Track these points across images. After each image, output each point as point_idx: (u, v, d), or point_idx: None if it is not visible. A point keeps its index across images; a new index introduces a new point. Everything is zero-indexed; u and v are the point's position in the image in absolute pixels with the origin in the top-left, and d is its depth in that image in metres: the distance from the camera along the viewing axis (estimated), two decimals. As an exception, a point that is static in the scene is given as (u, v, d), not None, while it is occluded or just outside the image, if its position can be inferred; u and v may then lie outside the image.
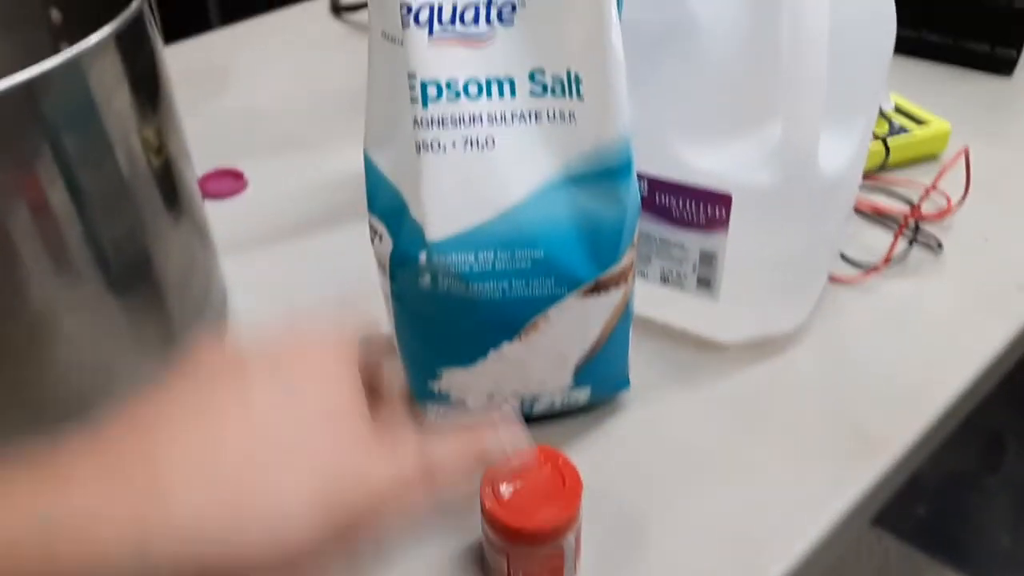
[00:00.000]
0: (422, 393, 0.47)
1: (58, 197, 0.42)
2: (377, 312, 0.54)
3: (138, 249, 0.47)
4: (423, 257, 0.40)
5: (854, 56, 0.45)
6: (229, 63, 0.93)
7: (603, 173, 0.40)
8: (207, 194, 0.67)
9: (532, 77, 0.39)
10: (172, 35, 0.81)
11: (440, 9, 0.38)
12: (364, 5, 0.98)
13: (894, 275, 0.60)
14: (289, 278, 0.61)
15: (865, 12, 0.46)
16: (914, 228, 0.62)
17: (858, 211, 0.64)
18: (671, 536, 0.44)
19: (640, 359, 0.50)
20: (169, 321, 0.50)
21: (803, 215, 0.48)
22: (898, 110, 0.72)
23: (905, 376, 0.52)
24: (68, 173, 0.41)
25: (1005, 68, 0.84)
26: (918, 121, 0.71)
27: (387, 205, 0.43)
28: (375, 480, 0.28)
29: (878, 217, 0.65)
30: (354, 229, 0.66)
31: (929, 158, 0.71)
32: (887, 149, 0.67)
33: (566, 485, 0.39)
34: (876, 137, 0.67)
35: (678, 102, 0.46)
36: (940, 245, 0.61)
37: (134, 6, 0.44)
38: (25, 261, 0.41)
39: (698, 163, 0.46)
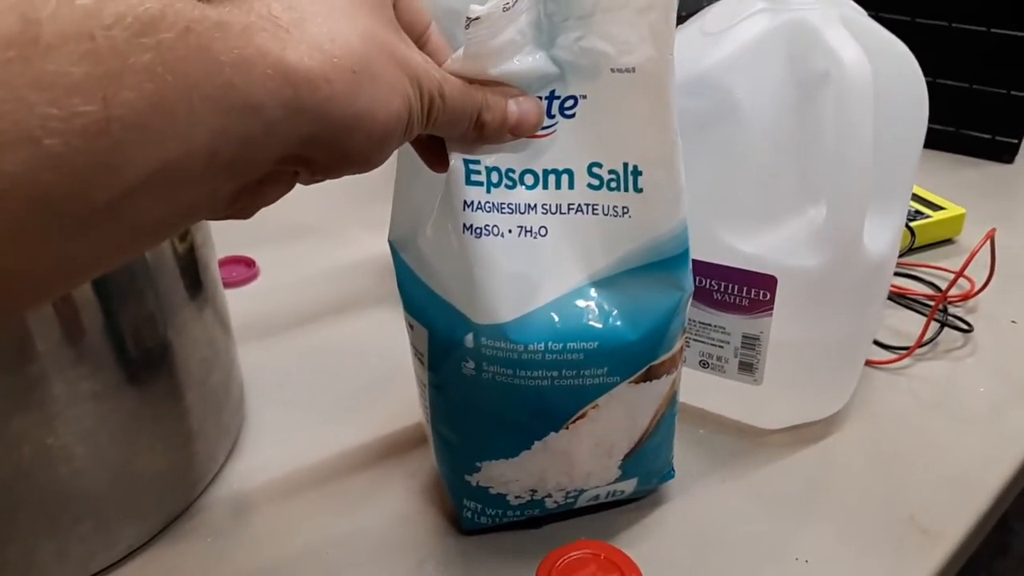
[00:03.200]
0: (458, 488, 0.44)
1: (79, 283, 0.40)
2: (405, 403, 0.52)
3: (159, 339, 0.45)
4: (469, 340, 0.39)
5: (891, 137, 0.45)
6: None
7: (660, 262, 0.39)
8: (219, 283, 0.65)
9: (590, 170, 0.38)
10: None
11: None
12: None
13: (927, 357, 0.59)
14: (308, 371, 0.59)
15: (901, 93, 0.46)
16: (943, 311, 0.61)
17: (882, 295, 0.64)
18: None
19: (679, 447, 0.48)
20: (187, 416, 0.48)
21: (847, 297, 0.47)
22: (913, 196, 0.73)
23: (951, 461, 0.51)
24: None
25: (1007, 155, 0.85)
26: (933, 206, 0.71)
27: (416, 297, 0.42)
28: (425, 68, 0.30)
29: (901, 300, 0.64)
30: (372, 316, 0.65)
31: (945, 242, 0.71)
32: (912, 233, 0.67)
33: (627, 585, 0.37)
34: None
35: (720, 186, 0.45)
36: (970, 327, 0.60)
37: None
38: (43, 349, 0.39)
39: (741, 246, 0.46)
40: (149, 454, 0.45)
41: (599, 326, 0.39)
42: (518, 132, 0.36)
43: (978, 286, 0.63)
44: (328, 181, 0.30)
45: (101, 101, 0.20)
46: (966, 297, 0.63)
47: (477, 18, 0.34)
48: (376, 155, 0.28)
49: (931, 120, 0.48)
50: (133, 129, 0.21)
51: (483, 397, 0.40)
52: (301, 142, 0.25)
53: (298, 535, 0.46)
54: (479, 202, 0.37)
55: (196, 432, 0.48)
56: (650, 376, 0.41)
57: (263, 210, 0.30)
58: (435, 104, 0.31)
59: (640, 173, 0.38)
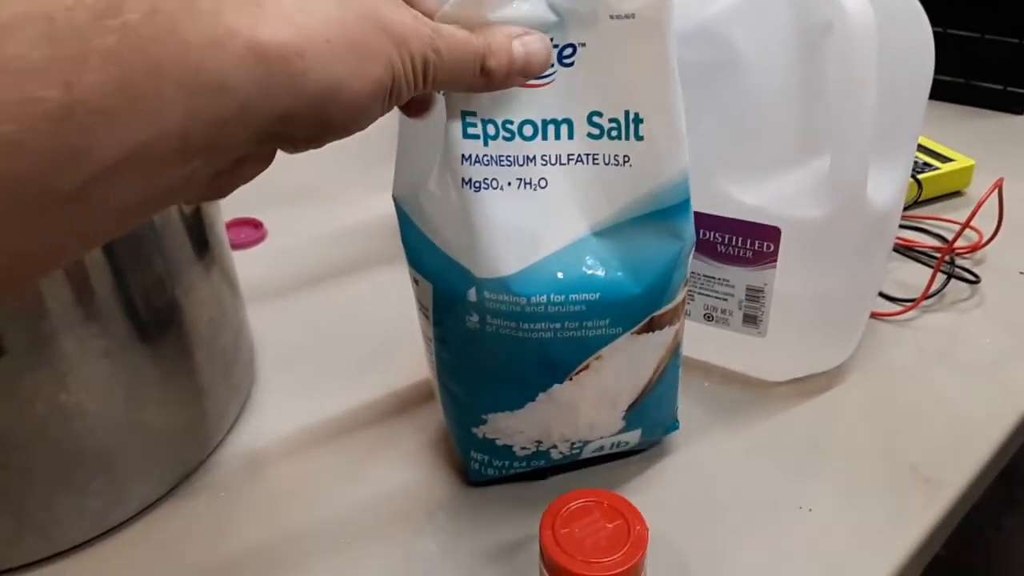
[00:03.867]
0: (465, 441, 0.45)
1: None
2: (413, 361, 0.53)
3: (168, 298, 0.46)
4: (472, 294, 0.39)
5: (896, 87, 0.45)
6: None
7: (661, 211, 0.39)
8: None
9: (590, 119, 0.38)
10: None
11: None
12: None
13: (933, 309, 0.59)
14: (317, 331, 0.60)
15: (906, 42, 0.45)
16: (950, 262, 0.61)
17: (889, 247, 0.64)
18: (731, 582, 0.42)
19: (683, 399, 0.49)
20: (197, 374, 0.48)
21: (852, 249, 0.47)
22: (921, 148, 0.72)
23: (956, 412, 0.51)
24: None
25: (1017, 106, 0.84)
26: (942, 158, 0.71)
27: (420, 252, 0.42)
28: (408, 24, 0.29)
29: (909, 252, 0.64)
30: (380, 276, 0.65)
31: (954, 194, 0.71)
32: (919, 185, 0.66)
33: (631, 534, 0.37)
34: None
35: (722, 138, 0.45)
36: (977, 278, 0.60)
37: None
38: (52, 307, 0.40)
39: (744, 198, 0.46)
40: (160, 411, 0.46)
41: (601, 276, 0.39)
42: (528, 73, 0.34)
43: (986, 237, 0.62)
44: (334, 143, 0.30)
45: (63, 86, 0.20)
46: (974, 248, 0.63)
47: None
48: (355, 124, 0.28)
49: (941, 71, 0.47)
50: (99, 113, 0.20)
51: (487, 350, 0.41)
52: (277, 119, 0.25)
53: (309, 491, 0.47)
54: (477, 155, 0.37)
55: (206, 390, 0.49)
56: (652, 327, 0.41)
57: (270, 172, 0.30)
58: (429, 62, 0.30)
59: (641, 121, 0.38)
